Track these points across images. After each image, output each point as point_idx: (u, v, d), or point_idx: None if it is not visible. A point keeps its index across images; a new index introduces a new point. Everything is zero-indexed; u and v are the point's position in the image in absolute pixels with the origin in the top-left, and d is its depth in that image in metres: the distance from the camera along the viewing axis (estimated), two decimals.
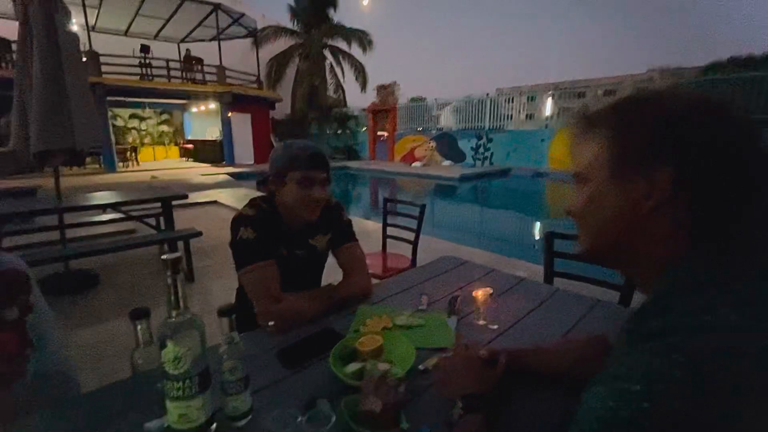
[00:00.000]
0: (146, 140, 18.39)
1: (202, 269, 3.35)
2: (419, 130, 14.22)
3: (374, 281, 1.32)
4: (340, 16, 17.51)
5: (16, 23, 2.66)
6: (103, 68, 11.05)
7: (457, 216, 7.18)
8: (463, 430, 0.62)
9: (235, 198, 6.73)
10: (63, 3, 2.65)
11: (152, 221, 3.67)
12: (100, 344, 2.20)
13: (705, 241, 0.43)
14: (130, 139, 17.27)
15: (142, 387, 0.68)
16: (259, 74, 15.29)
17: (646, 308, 0.43)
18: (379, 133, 15.33)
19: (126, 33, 13.83)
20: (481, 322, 1.05)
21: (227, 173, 10.62)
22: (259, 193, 1.27)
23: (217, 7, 12.38)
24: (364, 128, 15.71)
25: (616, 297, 1.51)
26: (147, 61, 12.62)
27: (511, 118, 13.46)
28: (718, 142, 0.42)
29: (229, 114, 13.51)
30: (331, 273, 1.34)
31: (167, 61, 12.69)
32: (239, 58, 14.49)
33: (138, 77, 12.15)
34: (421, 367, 0.83)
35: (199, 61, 13.85)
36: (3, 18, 9.98)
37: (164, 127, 19.19)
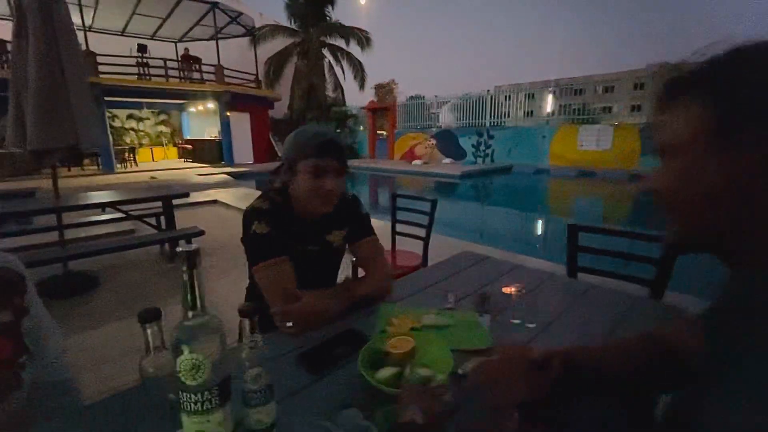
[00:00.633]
0: (144, 141, 18.27)
1: (206, 269, 3.26)
2: (419, 128, 14.14)
3: None
4: (338, 14, 17.40)
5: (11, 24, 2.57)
6: (100, 68, 10.94)
7: (461, 214, 7.10)
8: None
9: (236, 197, 6.64)
10: None
11: (153, 221, 3.58)
12: (100, 348, 2.12)
13: None
14: (128, 140, 17.15)
15: (152, 398, 0.60)
16: (257, 73, 15.18)
17: None
18: (378, 132, 15.24)
19: (123, 32, 13.71)
20: (517, 321, 0.97)
21: (227, 173, 10.52)
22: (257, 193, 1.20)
23: (214, 5, 12.27)
24: (362, 128, 15.63)
25: (641, 291, 1.43)
26: (144, 60, 12.50)
27: (510, 115, 13.41)
28: None
29: (228, 113, 13.40)
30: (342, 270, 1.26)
31: (165, 60, 12.58)
32: (237, 57, 14.37)
33: (135, 77, 12.03)
34: (459, 371, 0.75)
35: (197, 60, 13.73)
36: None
37: (162, 128, 19.07)
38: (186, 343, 0.51)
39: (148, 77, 12.39)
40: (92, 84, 9.79)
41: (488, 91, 12.87)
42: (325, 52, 17.42)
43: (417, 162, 12.92)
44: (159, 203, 3.25)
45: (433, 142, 13.26)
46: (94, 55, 10.69)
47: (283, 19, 17.00)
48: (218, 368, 0.53)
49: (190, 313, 0.52)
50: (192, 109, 16.05)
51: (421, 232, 2.31)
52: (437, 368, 0.72)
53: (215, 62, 13.25)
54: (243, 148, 13.94)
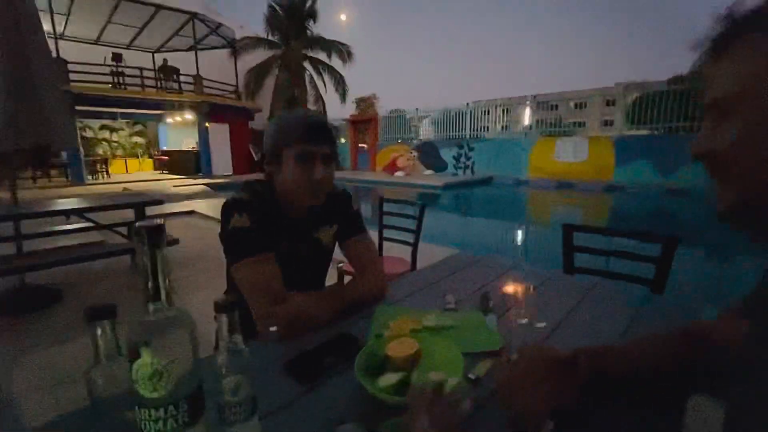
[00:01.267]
0: (118, 152, 17.65)
1: (179, 281, 3.07)
2: (400, 141, 14.23)
3: None
4: (319, 29, 17.51)
5: None
6: (72, 77, 10.55)
7: (446, 223, 7.08)
8: None
9: (214, 208, 6.41)
10: None
11: (124, 231, 3.37)
12: (58, 366, 1.92)
13: None
14: (100, 151, 16.53)
15: (104, 419, 0.48)
16: (237, 84, 15.01)
17: None
18: (359, 145, 15.24)
19: (97, 41, 13.32)
20: (524, 321, 0.89)
21: (205, 184, 10.22)
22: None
23: (193, 16, 12.12)
24: (343, 140, 15.61)
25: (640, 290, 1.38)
26: (119, 69, 12.14)
27: (488, 129, 13.72)
28: None
29: (207, 124, 13.12)
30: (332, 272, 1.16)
31: (141, 69, 12.25)
32: (217, 68, 14.17)
33: (110, 86, 11.66)
34: (471, 375, 0.66)
35: (175, 70, 13.46)
36: None
37: (137, 139, 18.50)
38: (145, 344, 0.40)
39: (123, 86, 12.03)
40: (63, 92, 9.47)
41: (467, 104, 13.12)
42: (307, 65, 17.44)
43: (399, 173, 12.95)
44: (130, 212, 3.05)
45: (415, 154, 13.34)
46: (64, 62, 10.30)
47: (264, 33, 16.98)
48: (187, 376, 0.43)
49: (151, 306, 0.41)
50: (169, 120, 15.64)
51: (409, 238, 2.23)
52: (447, 372, 0.63)
53: (194, 73, 13.01)
54: (222, 159, 13.63)
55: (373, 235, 2.33)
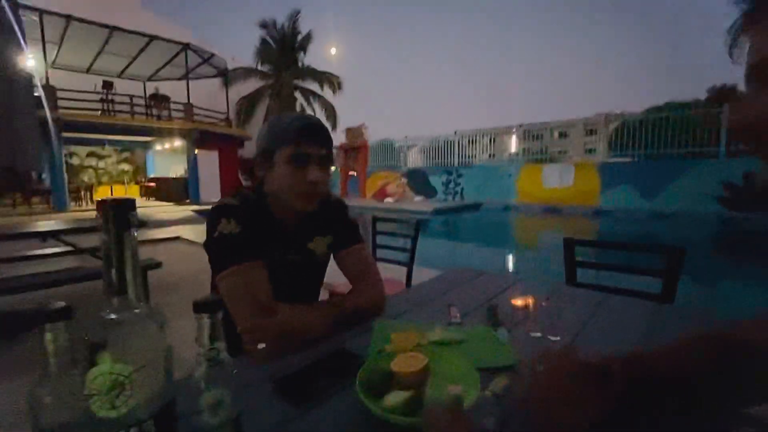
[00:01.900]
0: (104, 179, 17.40)
1: (163, 307, 2.91)
2: (389, 168, 14.38)
3: None
4: (309, 61, 18.01)
5: None
6: (61, 104, 10.50)
7: (438, 247, 7.02)
8: None
9: (200, 234, 6.25)
10: None
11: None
12: (21, 402, 1.74)
13: None
14: (85, 178, 16.27)
15: None
16: (228, 113, 15.14)
17: None
18: (350, 172, 15.34)
19: (88, 70, 13.40)
20: (537, 334, 0.82)
21: (193, 210, 10.04)
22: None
23: (186, 46, 12.34)
24: (334, 167, 15.70)
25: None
26: (109, 97, 12.16)
27: (476, 158, 14.02)
28: None
29: (196, 151, 13.08)
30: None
31: (131, 97, 12.30)
32: (208, 97, 14.33)
33: (99, 113, 11.62)
34: (487, 392, 0.58)
35: (166, 98, 13.54)
36: None
37: (125, 166, 18.32)
38: (104, 347, 0.32)
39: (112, 113, 12.00)
40: (52, 120, 9.40)
41: (455, 132, 13.43)
42: (297, 94, 17.80)
43: (389, 200, 12.97)
44: None
45: (405, 180, 13.45)
46: (54, 90, 10.28)
47: (254, 64, 17.38)
48: (157, 390, 0.35)
49: (114, 301, 0.34)
50: (158, 147, 15.59)
51: (403, 257, 2.16)
52: (466, 386, 0.55)
53: (185, 101, 13.10)
54: (210, 186, 13.51)
55: None
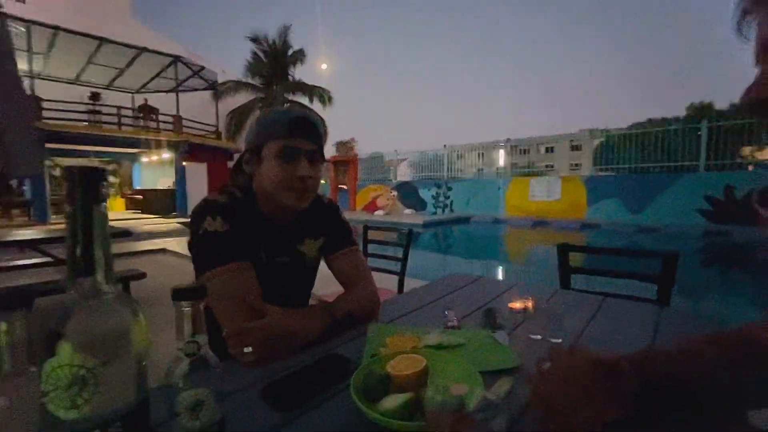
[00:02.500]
0: None
1: (146, 319, 2.79)
2: (379, 181, 14.44)
3: None
4: (300, 75, 18.16)
5: None
6: (47, 114, 10.31)
7: (427, 259, 6.98)
8: None
9: (186, 246, 6.11)
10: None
11: None
12: None
13: None
14: None
15: None
16: (218, 125, 15.07)
17: None
18: (340, 185, 15.33)
19: (75, 81, 13.25)
20: (537, 336, 0.79)
21: (179, 222, 9.85)
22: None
23: (176, 59, 12.32)
24: (324, 181, 15.69)
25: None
26: (96, 108, 12.00)
27: (463, 172, 14.17)
28: None
29: (184, 163, 12.93)
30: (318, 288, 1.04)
31: (118, 108, 12.16)
32: (198, 109, 14.26)
33: (86, 124, 11.44)
34: (490, 396, 0.55)
35: (154, 110, 13.43)
36: None
37: (111, 178, 18.00)
38: (64, 335, 0.28)
39: (99, 125, 11.83)
40: (35, 129, 9.19)
41: (445, 146, 13.58)
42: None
43: (379, 212, 12.96)
44: None
45: (395, 193, 13.48)
46: (38, 99, 10.11)
47: (245, 78, 17.43)
48: (125, 387, 0.30)
49: (79, 283, 0.30)
50: (145, 159, 15.36)
51: (395, 266, 2.12)
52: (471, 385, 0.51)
53: (174, 113, 13.01)
54: (198, 199, 13.11)
55: None
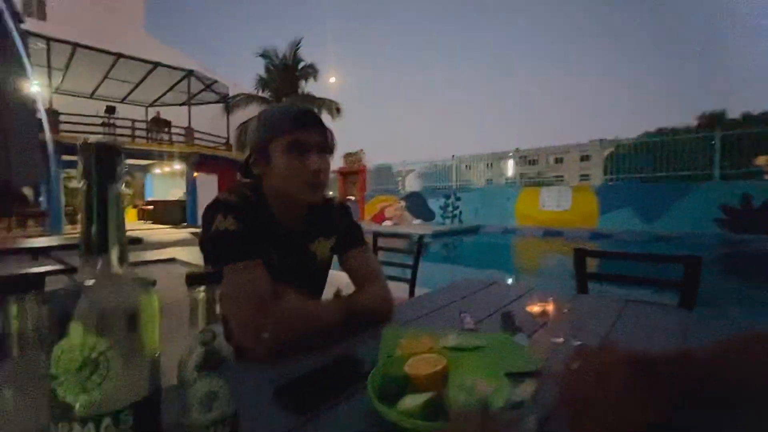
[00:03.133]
0: None
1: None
2: (387, 192, 14.46)
3: None
4: (310, 88, 18.42)
5: None
6: (64, 127, 10.61)
7: (437, 270, 6.92)
8: None
9: (197, 256, 6.15)
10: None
11: None
12: None
13: None
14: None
15: None
16: (228, 137, 15.32)
17: None
18: (348, 197, 15.40)
19: (92, 96, 13.63)
20: (560, 339, 0.76)
21: (190, 233, 9.95)
22: None
23: (189, 73, 12.62)
24: (331, 193, 15.78)
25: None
26: (111, 121, 12.31)
27: (471, 182, 14.12)
28: None
29: (195, 174, 13.13)
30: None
31: (132, 121, 12.46)
32: (209, 121, 14.53)
33: (101, 137, 11.72)
34: (519, 395, 0.52)
35: (167, 123, 13.72)
36: None
37: (124, 188, 18.31)
38: (76, 317, 0.27)
39: (114, 137, 12.11)
40: (53, 142, 9.45)
41: (453, 156, 13.57)
42: None
43: (387, 223, 12.95)
44: None
45: (403, 204, 13.47)
46: (57, 113, 10.41)
47: (255, 90, 17.75)
48: (137, 373, 0.29)
49: (92, 262, 0.29)
50: (157, 171, 15.65)
51: (404, 274, 2.09)
52: (497, 385, 0.49)
53: (186, 125, 13.27)
54: None
55: None
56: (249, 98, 17.22)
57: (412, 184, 15.06)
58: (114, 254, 0.29)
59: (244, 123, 16.96)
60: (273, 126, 0.83)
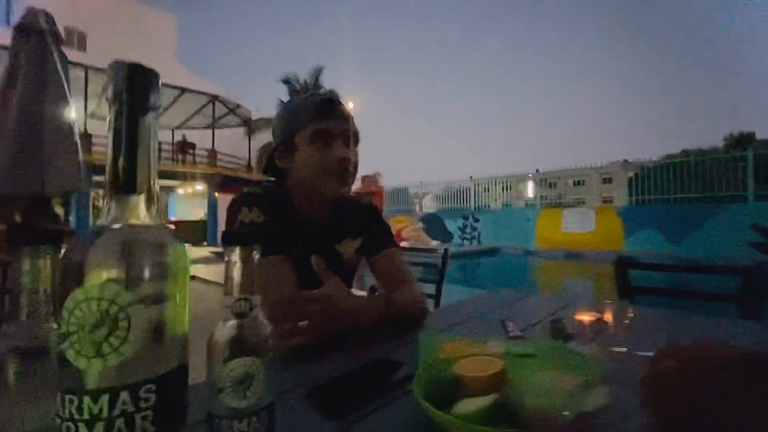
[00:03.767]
0: None
1: None
2: (404, 213, 14.42)
3: None
4: None
5: None
6: (96, 149, 11.12)
7: (455, 292, 6.75)
8: None
9: (217, 273, 6.18)
10: (60, 45, 2.55)
11: None
12: None
13: None
14: None
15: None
16: (250, 159, 15.73)
17: None
18: None
19: None
20: (622, 349, 0.67)
21: (211, 251, 10.09)
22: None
23: (214, 98, 13.15)
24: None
25: None
26: None
27: (489, 206, 13.92)
28: None
29: (216, 195, 13.45)
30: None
31: (159, 143, 12.95)
32: (231, 144, 15.00)
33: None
34: (598, 403, 0.44)
35: (192, 145, 14.21)
36: None
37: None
38: (95, 263, 0.22)
39: None
40: (85, 164, 9.92)
41: (470, 178, 13.50)
42: None
43: (404, 244, 12.83)
44: None
45: (420, 225, 13.37)
46: (89, 136, 10.93)
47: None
48: (161, 341, 0.24)
49: (116, 202, 0.24)
50: (180, 191, 16.10)
51: (429, 288, 2.00)
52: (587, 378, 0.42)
53: (210, 147, 13.71)
54: None
55: None
56: (270, 122, 17.75)
57: (429, 206, 14.99)
58: (143, 196, 0.25)
59: (264, 145, 17.45)
60: (297, 117, 0.80)
